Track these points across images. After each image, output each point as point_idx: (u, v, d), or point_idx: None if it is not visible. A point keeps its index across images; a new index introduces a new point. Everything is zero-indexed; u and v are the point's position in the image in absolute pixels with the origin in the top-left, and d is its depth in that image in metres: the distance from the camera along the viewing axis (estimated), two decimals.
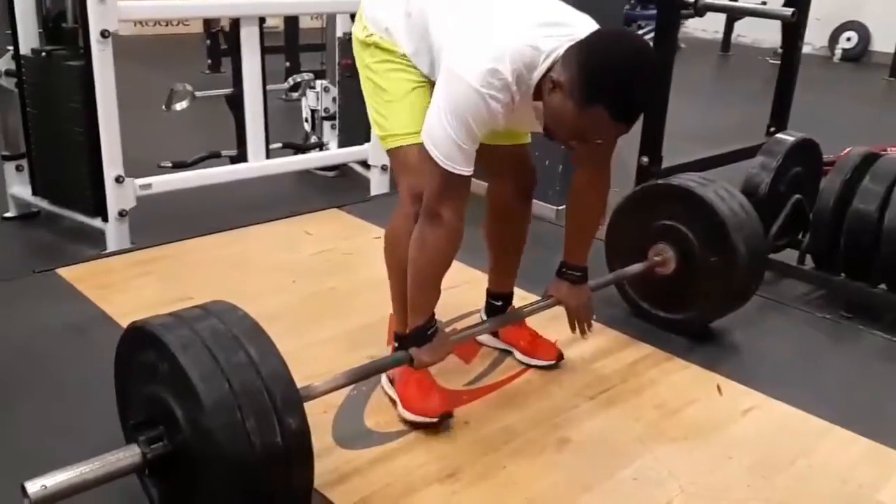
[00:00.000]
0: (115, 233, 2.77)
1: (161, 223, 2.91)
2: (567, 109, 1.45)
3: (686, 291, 2.19)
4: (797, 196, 2.73)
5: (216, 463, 1.20)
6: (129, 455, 1.27)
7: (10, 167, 3.04)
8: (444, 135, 1.53)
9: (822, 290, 2.70)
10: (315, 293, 2.44)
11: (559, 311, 1.99)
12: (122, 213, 2.75)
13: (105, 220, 2.76)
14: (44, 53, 2.75)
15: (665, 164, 3.54)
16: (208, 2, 2.87)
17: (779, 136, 2.80)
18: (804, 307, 2.57)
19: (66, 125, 2.75)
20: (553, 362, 2.06)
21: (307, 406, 1.33)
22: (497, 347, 2.14)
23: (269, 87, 3.12)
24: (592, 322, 2.00)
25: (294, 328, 2.17)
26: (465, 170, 1.56)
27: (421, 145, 1.59)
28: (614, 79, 1.40)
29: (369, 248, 2.72)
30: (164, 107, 3.02)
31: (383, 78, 1.72)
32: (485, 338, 2.14)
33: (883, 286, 2.51)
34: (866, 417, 1.91)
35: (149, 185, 2.82)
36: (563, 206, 3.14)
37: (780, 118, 3.99)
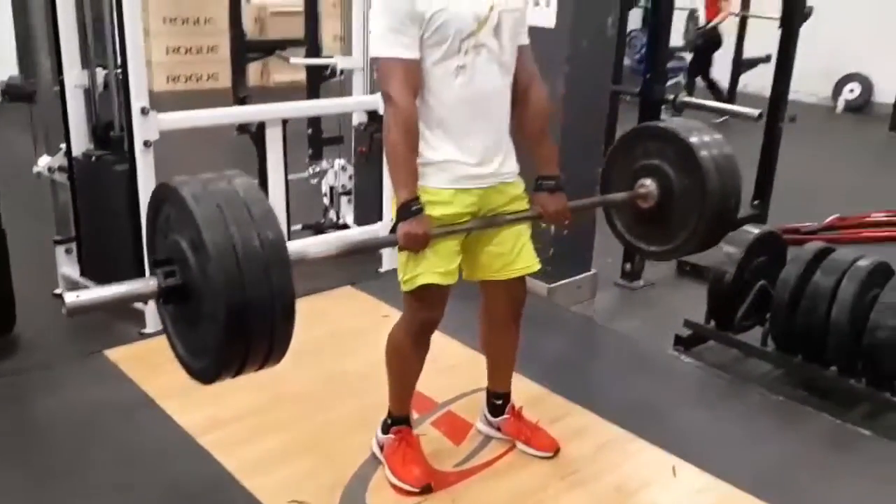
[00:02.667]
0: (153, 314, 3.12)
1: None
2: None
3: (666, 224, 2.33)
4: (762, 282, 3.02)
5: (213, 286, 1.47)
6: (148, 284, 1.57)
7: (60, 250, 3.42)
8: (378, 39, 1.87)
9: (782, 370, 3.00)
10: (329, 373, 2.78)
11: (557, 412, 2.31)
12: None
13: (145, 302, 3.11)
14: (94, 158, 3.13)
15: None
16: (238, 110, 3.25)
17: (744, 228, 3.10)
18: (764, 387, 2.87)
19: (113, 217, 3.12)
20: (551, 454, 2.34)
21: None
22: (498, 438, 2.42)
23: (291, 177, 3.49)
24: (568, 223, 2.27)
25: (313, 407, 2.52)
26: (398, 53, 1.85)
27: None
28: None
29: (379, 327, 3.07)
30: None
31: None
32: (486, 429, 2.44)
33: (834, 368, 2.80)
34: (807, 499, 2.20)
35: None
36: (555, 284, 3.49)
37: (763, 191, 4.30)
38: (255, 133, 3.35)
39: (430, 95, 1.93)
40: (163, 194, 1.63)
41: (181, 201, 1.51)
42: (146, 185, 2.98)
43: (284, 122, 3.37)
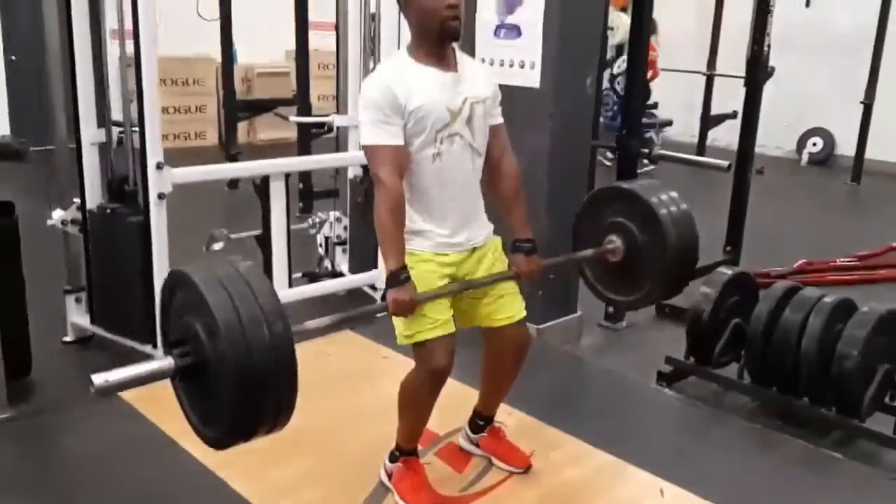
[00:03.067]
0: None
1: None
2: (413, 6, 2.11)
3: (633, 276, 2.58)
4: (736, 321, 3.24)
5: (224, 363, 1.65)
6: (167, 364, 1.72)
7: (70, 299, 3.57)
8: (367, 129, 2.12)
9: (759, 401, 3.21)
10: (337, 409, 2.93)
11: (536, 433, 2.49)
12: None
13: (154, 346, 3.27)
14: (108, 210, 3.31)
15: None
16: (244, 165, 3.46)
17: (719, 270, 3.34)
18: (743, 417, 3.08)
19: (125, 267, 3.29)
20: (523, 469, 2.55)
21: None
22: (478, 455, 2.63)
23: (293, 227, 3.70)
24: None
25: (324, 439, 2.67)
26: (386, 141, 2.10)
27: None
28: None
29: (378, 368, 3.24)
30: (203, 248, 3.57)
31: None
32: (467, 445, 2.66)
33: (806, 399, 3.01)
34: None
35: None
36: (544, 325, 3.69)
37: (734, 237, 4.57)
38: (260, 186, 3.55)
39: (411, 177, 2.19)
40: (177, 280, 1.80)
41: (195, 287, 1.69)
42: (159, 236, 3.17)
43: (287, 175, 3.59)
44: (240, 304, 1.66)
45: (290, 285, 3.72)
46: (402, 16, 2.27)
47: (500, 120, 2.35)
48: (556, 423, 2.88)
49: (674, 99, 9.56)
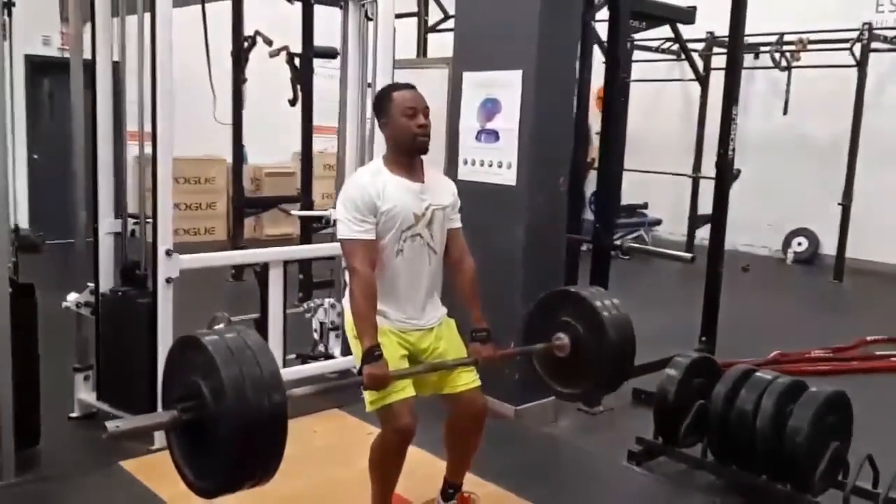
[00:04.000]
0: (160, 432, 3.49)
1: None
2: (390, 124, 2.54)
3: (577, 370, 2.82)
4: (700, 402, 3.46)
5: (226, 421, 1.87)
6: (168, 416, 1.97)
7: (79, 377, 3.82)
8: (343, 226, 2.47)
9: (723, 479, 3.39)
10: (322, 479, 3.14)
11: None
12: None
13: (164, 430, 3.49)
14: (119, 293, 3.61)
15: None
16: (247, 252, 3.78)
17: (683, 354, 3.58)
18: (706, 494, 3.26)
19: (132, 345, 3.55)
20: None
21: None
22: None
23: (289, 311, 3.98)
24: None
25: None
26: (361, 236, 2.45)
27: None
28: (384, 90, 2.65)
29: (362, 444, 3.45)
30: (206, 328, 3.84)
31: None
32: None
33: (764, 476, 3.20)
34: None
35: None
36: (521, 407, 3.91)
37: (708, 329, 4.81)
38: (259, 273, 3.85)
39: (380, 268, 2.53)
40: (188, 343, 2.02)
41: (205, 350, 1.93)
42: (165, 318, 3.44)
43: (285, 264, 3.89)
44: (245, 369, 1.90)
45: (284, 365, 3.97)
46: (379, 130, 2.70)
47: (459, 224, 2.73)
48: (527, 495, 3.07)
49: (663, 200, 9.98)
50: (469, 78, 4.01)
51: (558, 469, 3.57)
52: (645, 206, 10.39)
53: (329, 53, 5.87)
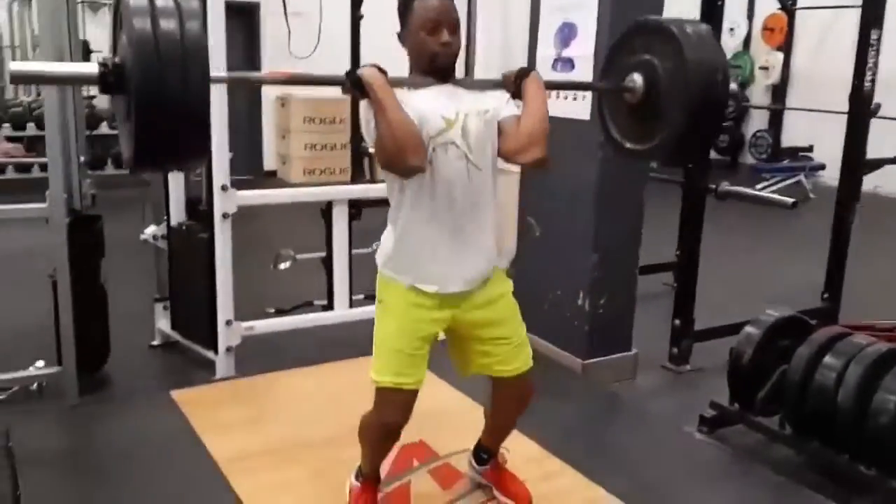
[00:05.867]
0: (223, 364, 3.55)
1: (262, 356, 3.67)
2: (409, 38, 2.07)
3: (650, 119, 2.25)
4: (784, 366, 3.04)
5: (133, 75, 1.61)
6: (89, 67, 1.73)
7: (158, 307, 3.96)
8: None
9: (803, 455, 2.97)
10: (345, 423, 2.99)
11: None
12: (228, 349, 3.54)
13: (216, 353, 3.56)
14: (184, 227, 3.68)
15: (701, 326, 3.93)
16: (306, 190, 3.72)
17: (767, 312, 3.15)
18: (782, 471, 2.84)
19: (196, 278, 3.62)
20: None
21: None
22: (482, 482, 2.60)
23: (355, 252, 3.90)
24: None
25: (327, 448, 2.82)
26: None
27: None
28: None
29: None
30: (271, 266, 3.86)
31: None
32: (472, 473, 2.63)
33: (846, 455, 2.76)
34: None
35: (252, 328, 3.62)
36: (590, 361, 3.63)
37: (833, 285, 4.26)
38: (325, 211, 3.79)
39: (404, 190, 2.09)
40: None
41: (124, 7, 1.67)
42: (223, 251, 3.47)
43: (352, 202, 3.81)
44: (160, 16, 1.61)
45: (351, 305, 3.91)
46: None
47: (517, 111, 2.14)
48: (571, 460, 2.79)
49: (832, 142, 8.96)
50: (546, 2, 3.67)
51: (614, 432, 3.27)
52: (809, 149, 9.41)
53: None
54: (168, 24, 1.62)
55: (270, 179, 9.10)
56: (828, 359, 2.81)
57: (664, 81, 2.19)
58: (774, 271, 5.76)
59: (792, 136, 10.06)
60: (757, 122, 10.67)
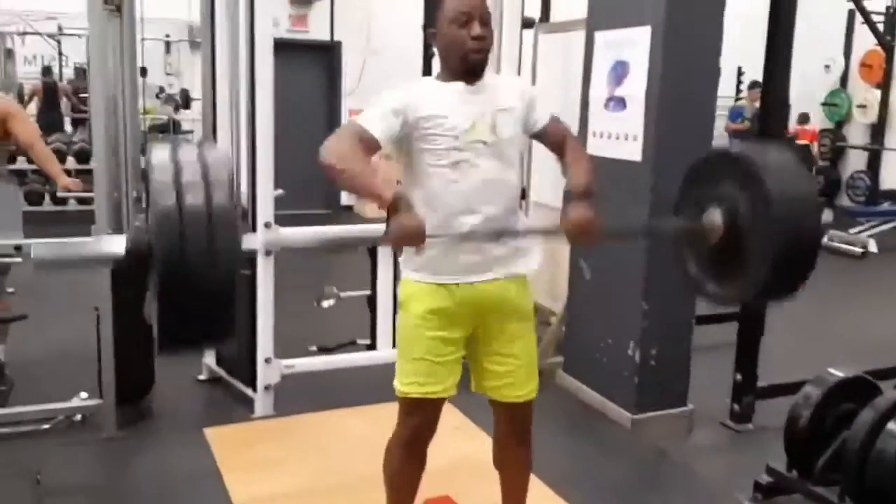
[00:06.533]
0: (261, 402, 3.52)
1: (303, 394, 3.63)
2: (439, 35, 2.03)
3: (734, 261, 2.06)
4: (848, 432, 2.77)
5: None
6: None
7: None
8: (365, 112, 2.01)
9: None
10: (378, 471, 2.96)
11: None
12: (267, 387, 3.51)
13: (255, 390, 3.53)
14: None
15: (763, 383, 3.65)
16: (349, 228, 3.69)
17: (830, 370, 2.89)
18: None
19: (239, 315, 3.61)
20: None
21: None
22: None
23: None
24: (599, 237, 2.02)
25: (351, 498, 2.73)
26: (368, 125, 1.94)
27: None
28: None
29: (446, 435, 3.22)
30: (314, 303, 3.83)
31: None
32: None
33: None
34: None
35: (292, 366, 3.58)
36: (641, 416, 3.42)
37: None
38: (370, 249, 3.74)
39: (429, 190, 2.00)
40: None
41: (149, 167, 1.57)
42: (265, 289, 3.46)
43: None
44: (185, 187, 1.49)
45: (395, 346, 3.83)
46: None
47: (547, 119, 2.14)
48: None
49: None
50: (600, 38, 3.55)
51: (659, 496, 3.05)
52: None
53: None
54: (195, 201, 1.49)
55: (346, 214, 9.19)
56: (892, 426, 2.54)
57: (746, 221, 1.99)
58: (857, 324, 5.38)
59: (892, 177, 9.52)
60: (854, 162, 10.14)
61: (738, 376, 3.61)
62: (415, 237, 1.81)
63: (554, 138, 2.16)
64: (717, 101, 3.46)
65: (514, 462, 2.32)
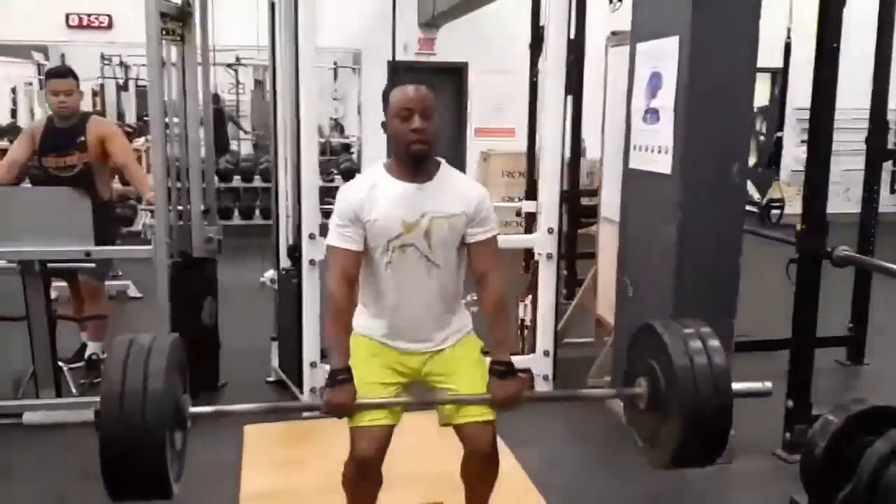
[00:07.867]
0: (307, 404, 3.72)
1: None
2: (388, 126, 2.20)
3: (660, 430, 2.16)
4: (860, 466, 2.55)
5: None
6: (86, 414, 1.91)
7: (274, 345, 4.26)
8: (330, 232, 2.25)
9: None
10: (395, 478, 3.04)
11: None
12: (312, 390, 3.70)
13: (301, 391, 3.74)
14: (285, 272, 3.95)
15: (818, 411, 3.39)
16: None
17: (853, 399, 2.66)
18: None
19: (292, 320, 3.85)
20: None
21: None
22: None
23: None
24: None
25: None
26: (339, 244, 2.20)
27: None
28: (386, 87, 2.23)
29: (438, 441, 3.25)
30: None
31: None
32: None
33: None
34: None
35: None
36: None
37: None
38: None
39: (372, 277, 2.27)
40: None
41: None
42: (311, 296, 3.66)
43: None
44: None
45: None
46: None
47: (486, 236, 2.27)
48: None
49: None
50: (641, 50, 3.48)
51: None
52: None
53: None
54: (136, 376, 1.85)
55: None
56: None
57: (662, 393, 2.12)
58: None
59: None
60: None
61: (790, 403, 3.38)
62: (342, 410, 2.14)
63: (476, 263, 2.28)
64: (753, 115, 3.28)
65: (476, 480, 2.38)
